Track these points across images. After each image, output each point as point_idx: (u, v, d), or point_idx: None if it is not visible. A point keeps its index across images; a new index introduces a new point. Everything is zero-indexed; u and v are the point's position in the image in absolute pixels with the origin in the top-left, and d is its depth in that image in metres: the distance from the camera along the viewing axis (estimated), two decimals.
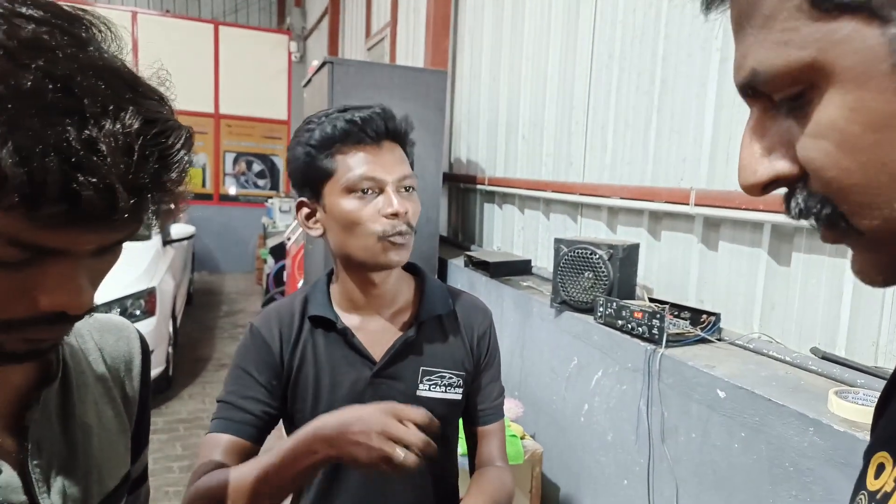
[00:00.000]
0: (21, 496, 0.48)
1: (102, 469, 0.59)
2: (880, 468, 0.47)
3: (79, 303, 0.43)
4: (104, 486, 0.59)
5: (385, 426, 0.79)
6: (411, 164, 0.98)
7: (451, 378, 1.03)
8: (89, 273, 0.45)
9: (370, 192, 0.91)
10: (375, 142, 0.92)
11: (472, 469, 1.12)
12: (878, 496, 0.45)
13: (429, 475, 1.06)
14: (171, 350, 4.28)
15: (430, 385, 1.01)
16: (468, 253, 2.79)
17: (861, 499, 0.48)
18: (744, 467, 1.24)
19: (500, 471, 1.09)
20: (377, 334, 1.01)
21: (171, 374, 4.33)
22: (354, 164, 0.91)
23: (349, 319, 1.00)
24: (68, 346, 0.59)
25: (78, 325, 0.63)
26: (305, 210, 0.98)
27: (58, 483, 0.53)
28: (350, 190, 0.91)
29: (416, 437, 0.78)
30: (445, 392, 1.02)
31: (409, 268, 1.07)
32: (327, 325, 0.99)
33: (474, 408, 1.10)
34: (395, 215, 0.90)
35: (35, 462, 0.52)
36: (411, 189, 0.95)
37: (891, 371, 0.51)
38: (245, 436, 0.97)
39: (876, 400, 0.51)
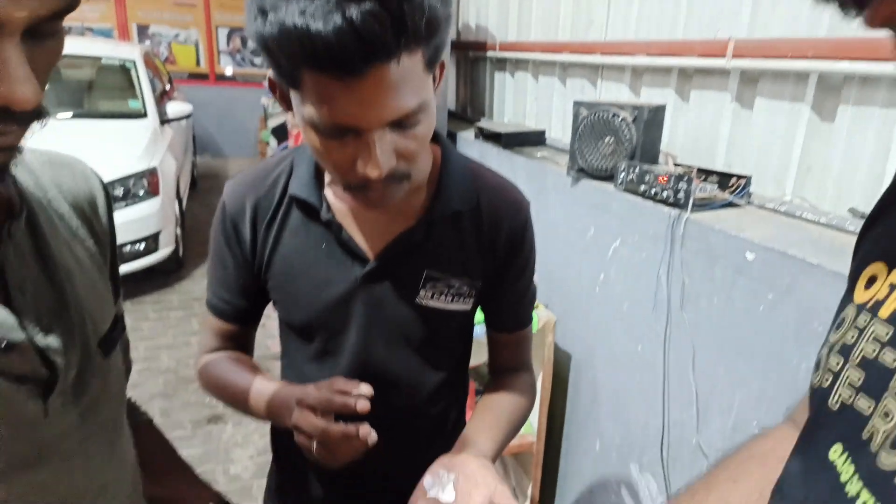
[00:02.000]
0: (20, 333, 0.44)
1: (94, 312, 0.55)
2: (871, 280, 0.45)
3: (22, 93, 0.36)
4: (98, 329, 0.55)
5: (296, 420, 0.72)
6: (433, 66, 0.65)
7: (461, 287, 0.86)
8: (32, 60, 0.37)
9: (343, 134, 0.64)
10: (356, 72, 0.56)
11: (490, 371, 1.01)
12: (869, 305, 0.44)
13: (424, 409, 0.94)
14: (179, 231, 4.27)
15: (433, 293, 0.85)
16: (479, 125, 2.65)
17: (846, 315, 0.46)
18: (768, 331, 1.21)
19: (518, 383, 0.97)
20: (375, 225, 0.82)
21: (181, 255, 4.35)
22: (320, 97, 0.60)
23: (340, 205, 0.82)
24: (24, 183, 0.52)
25: (28, 160, 0.55)
26: (278, 90, 0.70)
27: (50, 325, 0.49)
28: (315, 127, 0.64)
29: (313, 427, 0.69)
30: (451, 302, 0.86)
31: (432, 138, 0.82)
32: (311, 210, 0.81)
33: (497, 313, 0.95)
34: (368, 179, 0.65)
35: (21, 303, 0.47)
36: (415, 123, 0.65)
37: None
38: (231, 320, 0.92)
39: None
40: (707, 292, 1.37)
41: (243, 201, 0.84)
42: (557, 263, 1.97)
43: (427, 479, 0.75)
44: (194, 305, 3.88)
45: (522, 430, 1.97)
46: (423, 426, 0.95)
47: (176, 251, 4.12)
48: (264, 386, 0.84)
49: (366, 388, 0.69)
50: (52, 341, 0.48)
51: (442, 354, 0.93)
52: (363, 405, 0.68)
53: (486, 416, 0.89)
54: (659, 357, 1.50)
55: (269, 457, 0.98)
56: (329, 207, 0.81)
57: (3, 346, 0.43)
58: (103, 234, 0.62)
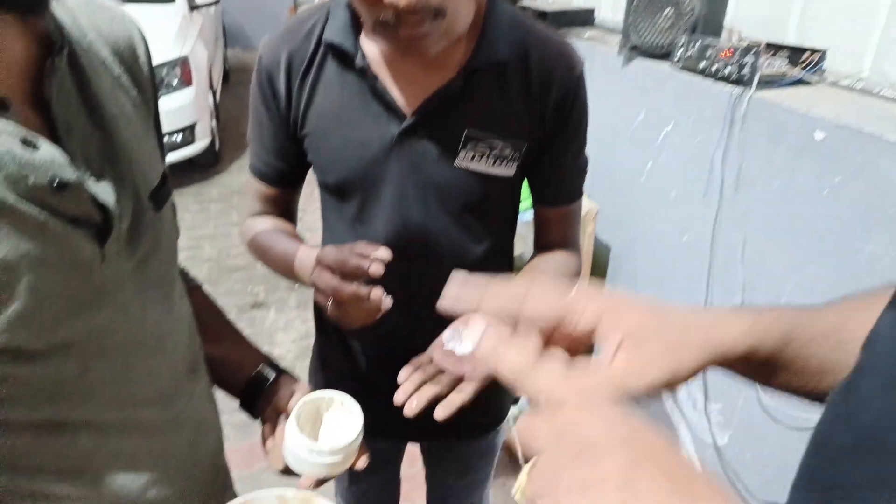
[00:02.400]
0: (72, 172, 0.42)
1: (142, 162, 0.53)
2: None
3: None
4: (148, 181, 0.53)
5: (314, 278, 0.69)
6: None
7: (504, 149, 0.79)
8: None
9: None
10: None
11: (535, 250, 0.95)
12: None
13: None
14: (214, 124, 4.25)
15: (474, 155, 0.79)
16: (522, 3, 2.47)
17: None
18: (831, 215, 1.14)
19: (564, 255, 0.91)
20: (412, 78, 0.77)
21: (217, 148, 4.35)
22: None
23: (376, 55, 0.77)
24: (63, 22, 0.49)
25: (68, 2, 0.52)
26: None
27: (101, 170, 0.47)
28: None
29: (326, 285, 0.66)
30: (493, 165, 0.80)
31: None
32: (346, 58, 0.77)
33: (544, 184, 0.88)
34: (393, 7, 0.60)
35: (69, 144, 0.45)
36: None
37: None
38: (272, 183, 0.90)
39: None
40: (765, 176, 1.29)
41: (278, 54, 0.80)
42: (601, 152, 1.88)
43: (446, 333, 0.74)
44: (233, 198, 3.92)
45: None
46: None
47: (212, 144, 4.11)
48: (303, 252, 0.83)
49: (383, 252, 0.66)
50: (103, 187, 0.47)
51: (483, 224, 0.88)
52: (375, 269, 0.64)
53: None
54: (706, 246, 1.45)
55: (309, 341, 1.01)
56: (364, 56, 0.76)
57: (55, 184, 0.42)
58: (146, 84, 0.59)
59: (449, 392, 0.67)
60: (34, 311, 0.42)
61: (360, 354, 1.00)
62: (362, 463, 0.63)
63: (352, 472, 0.62)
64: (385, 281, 0.67)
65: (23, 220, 0.41)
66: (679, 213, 1.56)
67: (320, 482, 0.61)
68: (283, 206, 0.96)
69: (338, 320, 0.70)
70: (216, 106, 4.45)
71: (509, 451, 1.53)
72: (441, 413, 0.64)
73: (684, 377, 0.41)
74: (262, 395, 0.69)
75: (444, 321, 0.83)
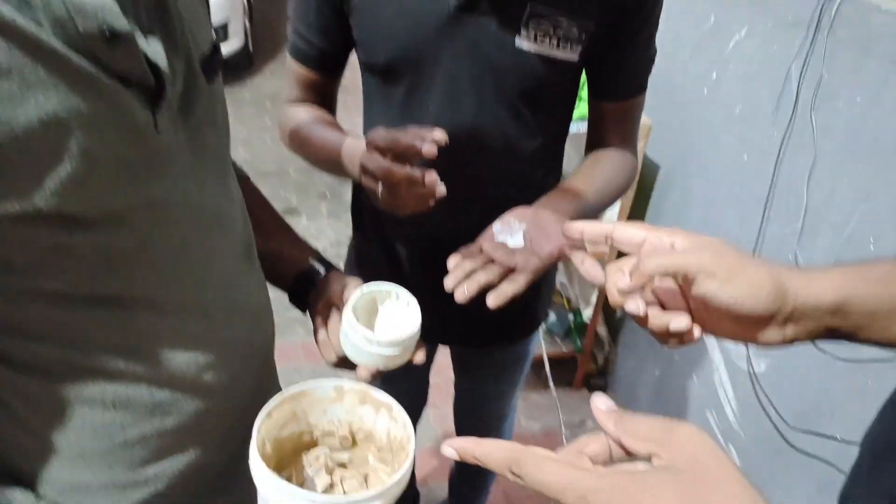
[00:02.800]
0: (123, 23, 0.38)
1: (193, 26, 0.48)
2: None
3: None
4: (200, 47, 0.49)
5: (363, 160, 0.64)
6: None
7: (570, 28, 0.73)
8: None
9: None
10: None
11: (588, 148, 0.90)
12: None
13: (517, 176, 0.84)
14: (248, 24, 4.11)
15: (536, 34, 0.73)
16: None
17: None
18: None
19: (621, 156, 0.85)
20: None
21: (251, 49, 4.23)
22: None
23: None
24: None
25: None
26: None
27: (151, 27, 0.43)
28: None
29: (377, 167, 0.62)
30: (557, 48, 0.74)
31: None
32: None
33: (608, 75, 0.81)
34: None
35: None
36: None
37: None
38: (313, 66, 0.86)
39: None
40: (849, 89, 1.16)
41: None
42: (660, 62, 1.74)
43: (496, 225, 0.70)
44: (266, 102, 3.85)
45: None
46: (514, 195, 0.86)
47: (246, 45, 3.99)
48: (351, 140, 0.78)
49: (439, 134, 0.61)
50: (154, 46, 0.43)
51: (537, 118, 0.82)
52: (429, 148, 0.60)
53: (575, 182, 0.81)
54: (769, 166, 1.35)
55: (340, 249, 0.97)
56: None
57: (106, 34, 0.38)
58: None
59: (499, 282, 0.64)
60: (86, 175, 0.39)
61: (398, 253, 0.96)
62: (420, 357, 0.61)
63: (384, 375, 0.60)
64: (441, 178, 0.62)
65: (72, 71, 0.37)
66: (743, 131, 1.44)
67: (377, 374, 0.59)
68: (324, 95, 0.92)
69: (387, 207, 0.66)
70: (250, 5, 4.28)
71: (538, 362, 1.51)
72: (493, 301, 0.62)
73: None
74: (313, 288, 0.67)
75: (488, 221, 0.78)
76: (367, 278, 0.98)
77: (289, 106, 0.91)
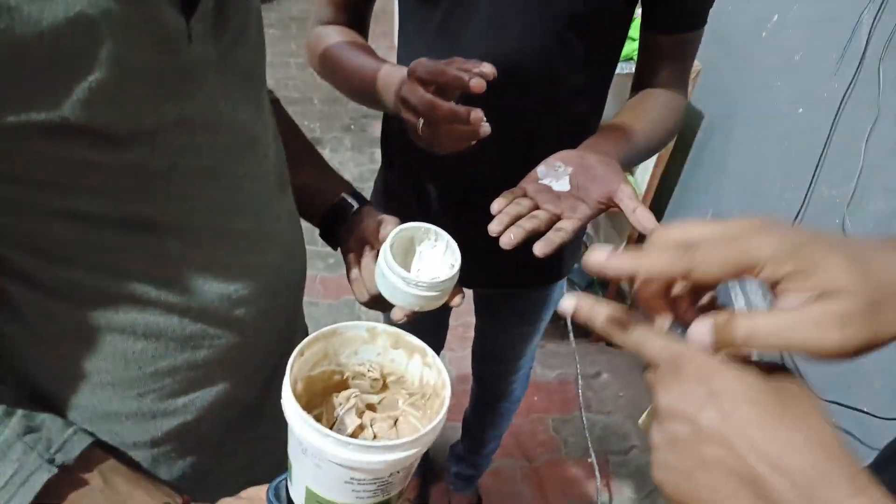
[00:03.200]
0: None
1: None
2: None
3: None
4: None
5: (404, 92, 0.60)
6: None
7: None
8: None
9: None
10: None
11: (635, 86, 0.84)
12: None
13: (559, 111, 0.79)
14: None
15: None
16: None
17: None
18: None
19: (670, 97, 0.79)
20: None
21: None
22: None
23: None
24: None
25: None
26: None
27: None
28: None
29: (420, 100, 0.57)
30: None
31: None
32: None
33: (666, 4, 0.74)
34: None
35: None
36: None
37: None
38: None
39: None
40: None
41: None
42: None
43: (541, 169, 0.66)
44: (292, 26, 3.72)
45: None
46: (555, 135, 0.82)
47: None
48: (389, 66, 0.72)
49: (488, 67, 0.57)
50: None
51: (584, 49, 0.76)
52: (477, 83, 0.56)
53: (623, 122, 0.76)
54: (826, 121, 1.27)
55: (363, 185, 0.94)
56: None
57: None
58: None
59: (546, 229, 0.60)
60: (116, 85, 0.37)
61: (428, 192, 0.92)
62: (457, 301, 0.59)
63: (419, 324, 0.58)
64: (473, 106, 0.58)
65: None
66: (801, 81, 1.35)
67: (412, 315, 0.57)
68: (358, 15, 0.85)
69: (425, 144, 0.62)
70: None
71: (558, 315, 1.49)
72: (540, 249, 0.58)
73: (885, 340, 0.31)
74: (344, 224, 0.64)
75: (527, 162, 0.74)
76: (394, 215, 0.94)
77: (318, 26, 0.85)
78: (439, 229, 0.58)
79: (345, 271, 0.65)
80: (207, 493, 0.53)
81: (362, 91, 0.76)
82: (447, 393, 0.45)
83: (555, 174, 0.65)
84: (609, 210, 0.65)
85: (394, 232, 0.56)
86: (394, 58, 0.86)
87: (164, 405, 0.52)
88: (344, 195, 0.65)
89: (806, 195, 1.34)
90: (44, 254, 0.43)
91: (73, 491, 0.45)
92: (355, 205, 0.65)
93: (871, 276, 0.31)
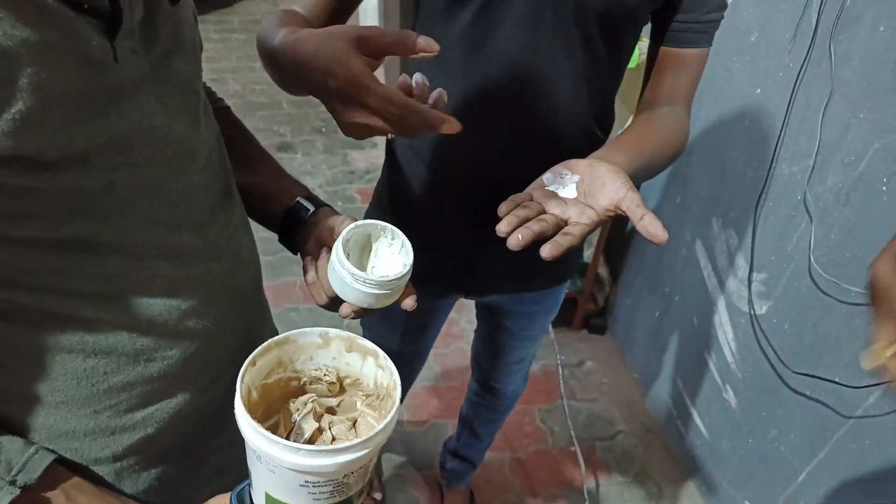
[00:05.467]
0: None
1: None
2: None
3: None
4: None
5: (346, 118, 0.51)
6: None
7: None
8: None
9: None
10: None
11: (642, 105, 0.85)
12: None
13: (573, 121, 0.79)
14: None
15: None
16: None
17: None
18: None
19: (674, 118, 0.79)
20: None
21: None
22: None
23: None
24: None
25: None
26: None
27: None
28: None
29: (383, 97, 0.49)
30: None
31: None
32: None
33: (670, 16, 0.75)
34: None
35: None
36: None
37: None
38: None
39: None
40: (872, 18, 1.09)
41: None
42: None
43: (547, 176, 0.66)
44: (257, 28, 3.69)
45: None
46: (570, 141, 0.82)
47: None
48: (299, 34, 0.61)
49: (426, 41, 0.50)
50: None
51: (606, 50, 0.76)
52: (424, 41, 0.50)
53: (628, 139, 0.75)
54: (783, 100, 1.29)
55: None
56: None
57: None
58: None
59: (554, 232, 0.60)
60: (42, 113, 0.36)
61: (441, 199, 0.90)
62: (409, 303, 0.58)
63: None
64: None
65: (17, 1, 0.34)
66: (756, 62, 1.37)
67: (362, 312, 0.56)
68: (331, 14, 0.77)
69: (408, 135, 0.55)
70: None
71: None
72: (548, 252, 0.58)
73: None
74: (301, 227, 0.63)
75: (539, 166, 0.70)
76: (401, 218, 0.90)
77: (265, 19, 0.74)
78: (395, 228, 0.58)
79: (285, 279, 0.65)
80: (177, 503, 0.53)
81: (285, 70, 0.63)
82: (398, 394, 0.46)
83: (561, 181, 0.65)
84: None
85: (348, 228, 0.56)
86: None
87: (123, 420, 0.51)
88: (299, 199, 0.65)
89: (768, 173, 1.36)
90: None
91: None
92: (311, 207, 0.64)
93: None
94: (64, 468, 0.49)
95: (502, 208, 0.61)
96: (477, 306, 1.24)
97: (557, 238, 0.59)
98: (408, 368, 1.25)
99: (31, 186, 0.39)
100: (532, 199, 0.63)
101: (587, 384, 2.05)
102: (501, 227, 0.58)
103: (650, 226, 0.58)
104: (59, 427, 0.50)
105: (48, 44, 0.35)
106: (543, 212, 0.62)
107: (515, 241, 0.58)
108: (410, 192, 0.92)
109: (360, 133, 0.54)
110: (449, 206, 0.89)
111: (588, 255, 2.06)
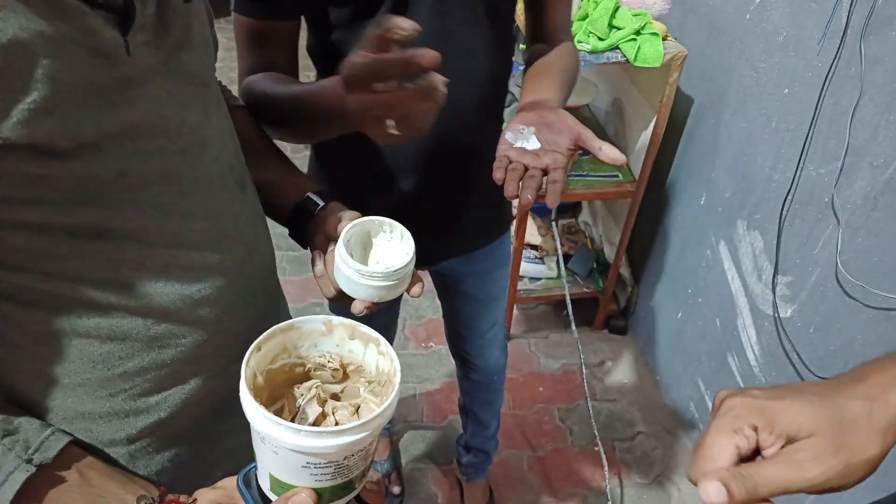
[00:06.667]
0: None
1: None
2: None
3: None
4: None
5: (353, 104, 0.57)
6: None
7: None
8: None
9: None
10: None
11: (533, 40, 0.96)
12: None
13: (487, 86, 0.90)
14: None
15: None
16: None
17: None
18: None
19: (566, 49, 0.93)
20: None
21: None
22: None
23: None
24: None
25: None
26: None
27: None
28: None
29: (378, 102, 0.54)
30: None
31: None
32: None
33: None
34: None
35: None
36: None
37: None
38: (263, 12, 0.75)
39: None
40: None
41: None
42: None
43: (509, 135, 0.73)
44: None
45: (621, 176, 1.86)
46: (489, 115, 0.95)
47: None
48: (323, 84, 0.69)
49: (407, 24, 0.50)
50: None
51: (503, 25, 0.87)
52: (430, 55, 0.50)
53: (544, 75, 0.87)
54: (811, 101, 1.26)
55: None
56: None
57: None
58: None
59: (540, 182, 0.68)
60: (55, 102, 0.38)
61: (377, 181, 0.94)
62: (417, 290, 0.61)
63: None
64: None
65: None
66: (785, 61, 1.34)
67: (373, 306, 0.58)
68: (285, 46, 0.79)
69: (401, 137, 0.58)
70: None
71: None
72: (552, 201, 0.67)
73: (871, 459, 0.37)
74: (311, 221, 0.65)
75: (467, 149, 0.84)
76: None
77: (247, 79, 0.79)
78: (393, 221, 0.60)
79: (310, 273, 0.68)
80: (188, 484, 0.55)
81: (310, 122, 0.71)
82: (397, 379, 0.47)
83: (522, 136, 0.72)
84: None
85: (347, 227, 0.57)
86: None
87: (137, 404, 0.54)
88: (309, 194, 0.67)
89: (795, 175, 1.33)
90: (2, 265, 0.44)
91: (52, 488, 0.47)
92: (320, 202, 0.66)
93: (827, 411, 0.37)
94: (79, 449, 0.52)
95: (497, 176, 0.69)
96: (434, 283, 1.28)
97: (549, 187, 0.67)
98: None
99: (44, 173, 0.41)
100: (511, 161, 0.70)
101: (607, 384, 2.04)
102: (509, 192, 0.66)
103: (609, 152, 0.68)
104: (76, 409, 0.52)
105: (62, 36, 0.37)
106: (526, 168, 0.69)
107: (526, 200, 0.66)
108: (343, 182, 0.97)
109: (372, 125, 0.58)
110: (388, 186, 0.94)
111: (610, 254, 2.05)
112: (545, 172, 0.69)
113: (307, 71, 0.85)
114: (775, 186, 1.40)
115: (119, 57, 0.42)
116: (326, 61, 0.84)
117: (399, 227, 0.59)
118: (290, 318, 0.76)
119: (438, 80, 0.53)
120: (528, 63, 0.94)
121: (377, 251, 0.61)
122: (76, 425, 0.52)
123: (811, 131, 1.28)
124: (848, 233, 1.21)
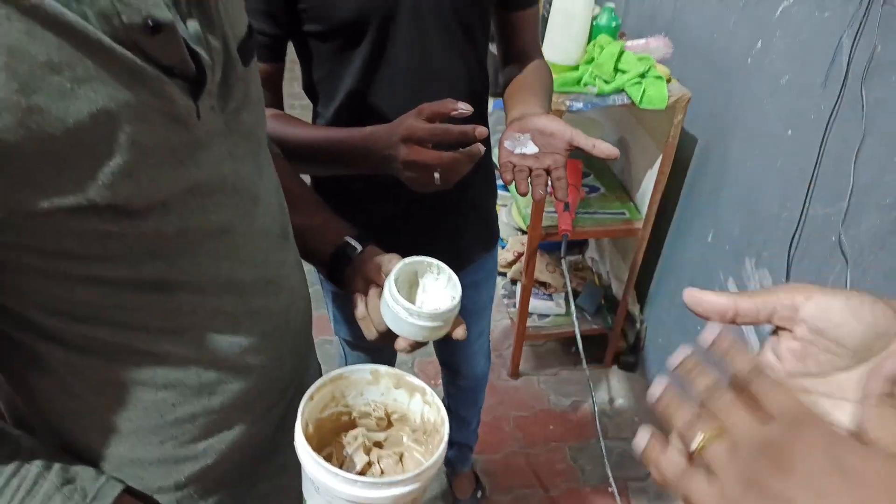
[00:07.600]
0: (165, 13, 0.39)
1: (229, 9, 0.49)
2: None
3: None
4: (237, 32, 0.50)
5: (408, 157, 0.69)
6: None
7: None
8: None
9: None
10: None
11: (506, 61, 1.02)
12: None
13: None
14: None
15: None
16: None
17: None
18: None
19: (539, 65, 0.99)
20: None
21: None
22: None
23: None
24: None
25: None
26: None
27: (190, 11, 0.44)
28: None
29: (436, 158, 0.68)
30: None
31: None
32: None
33: None
34: None
35: None
36: None
37: None
38: (263, 57, 0.83)
39: None
40: None
41: None
42: (702, 29, 1.68)
43: (507, 143, 0.78)
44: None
45: (629, 214, 1.88)
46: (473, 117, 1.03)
47: None
48: (344, 132, 0.81)
49: (464, 106, 0.69)
50: (194, 34, 0.44)
51: (479, 38, 0.92)
52: (482, 130, 0.68)
53: (525, 90, 0.92)
54: (815, 142, 1.30)
55: None
56: None
57: (149, 24, 0.38)
58: None
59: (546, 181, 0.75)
60: (136, 166, 0.40)
61: (374, 201, 0.99)
62: (460, 333, 0.62)
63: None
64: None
65: (118, 64, 0.38)
66: (788, 104, 1.39)
67: (417, 345, 0.60)
68: (275, 89, 0.89)
69: (440, 186, 0.72)
70: None
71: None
72: (561, 193, 0.73)
73: None
74: (349, 265, 0.68)
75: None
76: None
77: None
78: (441, 263, 0.62)
79: (320, 312, 0.71)
80: None
81: (337, 161, 0.83)
82: (445, 429, 0.48)
83: (520, 142, 0.78)
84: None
85: (399, 265, 0.60)
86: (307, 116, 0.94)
87: (186, 450, 0.55)
88: (347, 238, 0.69)
89: (801, 214, 1.36)
90: (67, 315, 0.46)
91: None
92: (358, 247, 0.69)
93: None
94: (130, 496, 0.53)
95: (507, 178, 0.76)
96: None
97: (555, 184, 0.74)
98: (380, 355, 1.31)
99: (117, 231, 0.43)
100: (516, 166, 0.76)
101: (619, 422, 2.03)
102: (521, 189, 0.73)
103: (602, 147, 0.72)
104: (127, 455, 0.54)
105: (143, 105, 0.40)
106: (531, 170, 0.76)
107: (538, 195, 0.74)
108: (341, 201, 1.01)
109: (419, 172, 0.70)
110: (384, 208, 0.98)
111: (618, 291, 2.06)
112: (548, 172, 0.75)
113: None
114: (783, 225, 1.43)
115: (191, 121, 0.44)
116: (323, 93, 0.91)
117: (447, 270, 0.61)
118: (318, 359, 0.77)
119: (479, 147, 0.68)
120: (505, 85, 1.01)
121: (423, 292, 0.62)
122: (127, 472, 0.53)
123: (816, 171, 1.31)
124: (857, 272, 1.23)
